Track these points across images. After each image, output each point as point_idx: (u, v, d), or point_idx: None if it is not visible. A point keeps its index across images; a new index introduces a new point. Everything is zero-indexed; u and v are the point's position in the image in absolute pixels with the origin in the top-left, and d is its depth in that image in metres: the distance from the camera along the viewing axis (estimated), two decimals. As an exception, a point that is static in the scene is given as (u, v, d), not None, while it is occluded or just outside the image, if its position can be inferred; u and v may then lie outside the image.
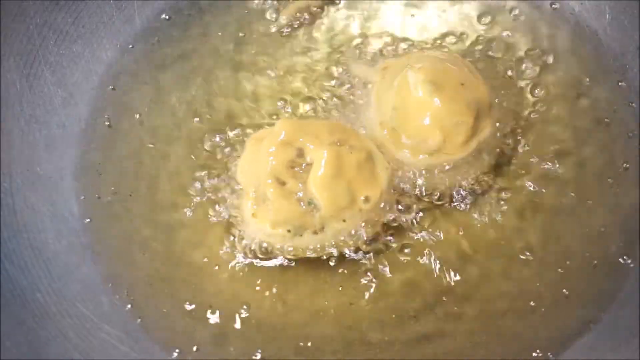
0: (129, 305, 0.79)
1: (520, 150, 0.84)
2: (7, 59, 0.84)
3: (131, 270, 0.81)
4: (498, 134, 0.82)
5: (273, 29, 0.93)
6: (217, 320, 0.78)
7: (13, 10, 0.84)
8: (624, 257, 0.78)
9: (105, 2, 0.92)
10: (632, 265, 0.78)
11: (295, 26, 0.92)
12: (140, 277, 0.80)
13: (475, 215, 0.81)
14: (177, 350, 0.77)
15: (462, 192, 0.81)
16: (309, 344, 0.76)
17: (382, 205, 0.77)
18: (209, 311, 0.78)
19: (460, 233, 0.80)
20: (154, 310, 0.78)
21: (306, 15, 0.92)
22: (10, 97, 0.84)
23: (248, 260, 0.79)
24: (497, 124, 0.81)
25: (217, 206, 0.82)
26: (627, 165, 0.83)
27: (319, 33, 0.93)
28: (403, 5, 0.95)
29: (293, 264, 0.78)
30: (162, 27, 0.94)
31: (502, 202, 0.81)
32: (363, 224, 0.76)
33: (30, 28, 0.86)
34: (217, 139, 0.86)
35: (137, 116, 0.89)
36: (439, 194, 0.81)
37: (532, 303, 0.76)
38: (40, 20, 0.86)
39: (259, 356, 0.76)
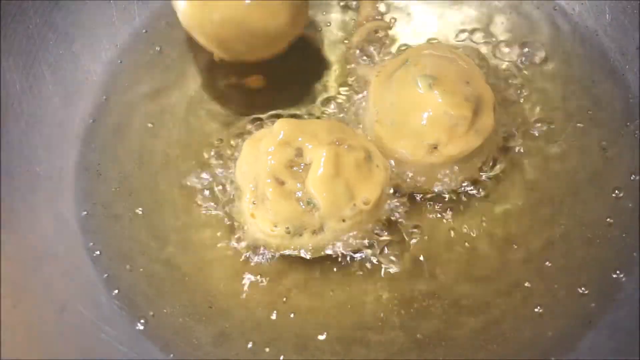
0: (129, 306, 0.79)
1: (521, 148, 0.84)
2: (7, 59, 0.84)
3: (131, 270, 0.80)
4: (499, 132, 0.82)
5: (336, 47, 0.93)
6: (217, 320, 0.77)
7: (13, 10, 0.84)
8: (624, 258, 0.78)
9: (105, 2, 0.92)
10: (628, 265, 0.78)
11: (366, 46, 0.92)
12: (140, 277, 0.80)
13: (475, 215, 0.81)
14: (177, 351, 0.76)
15: (462, 190, 0.81)
16: (309, 344, 0.76)
17: (381, 204, 0.77)
18: (209, 311, 0.78)
19: (461, 232, 0.80)
20: (154, 311, 0.78)
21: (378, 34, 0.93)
22: (10, 97, 0.84)
23: (247, 260, 0.79)
24: (498, 122, 0.81)
25: (216, 206, 0.82)
26: (627, 165, 0.83)
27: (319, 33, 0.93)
28: (402, 5, 0.95)
29: (292, 265, 0.78)
30: (162, 27, 0.94)
31: (503, 201, 0.81)
32: (362, 224, 0.76)
33: (30, 28, 0.86)
34: (218, 138, 0.86)
35: (137, 116, 0.89)
36: (439, 193, 0.81)
37: (532, 304, 0.76)
38: (40, 20, 0.87)
39: (258, 356, 0.76)
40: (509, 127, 0.85)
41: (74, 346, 0.76)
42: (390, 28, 0.93)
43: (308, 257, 0.77)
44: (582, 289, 0.77)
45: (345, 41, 0.93)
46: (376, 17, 0.94)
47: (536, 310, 0.76)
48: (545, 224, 0.80)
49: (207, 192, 0.83)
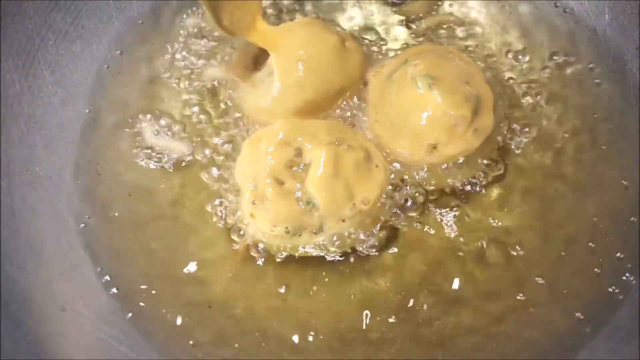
0: (129, 306, 0.79)
1: (520, 148, 0.84)
2: (7, 59, 0.84)
3: (130, 270, 0.80)
4: (498, 132, 0.82)
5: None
6: (217, 320, 0.77)
7: (12, 10, 0.84)
8: (624, 258, 0.78)
9: (104, 2, 0.92)
10: (630, 266, 0.78)
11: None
12: (140, 277, 0.80)
13: (475, 214, 0.81)
14: (177, 351, 0.76)
15: (462, 190, 0.81)
16: (309, 344, 0.76)
17: (380, 204, 0.77)
18: (208, 311, 0.78)
19: (460, 232, 0.80)
20: (154, 310, 0.78)
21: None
22: (9, 97, 0.84)
23: (247, 260, 0.79)
24: (497, 122, 0.81)
25: (216, 206, 0.82)
26: (627, 165, 0.83)
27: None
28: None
29: (292, 264, 0.78)
30: (162, 27, 0.94)
31: (502, 201, 0.81)
32: (362, 224, 0.76)
33: (30, 28, 0.86)
34: (218, 138, 0.86)
35: (137, 116, 0.89)
36: (438, 192, 0.80)
37: (532, 304, 0.76)
38: (40, 20, 0.87)
39: (258, 356, 0.76)
40: (509, 127, 0.85)
41: (74, 346, 0.75)
42: (463, 24, 0.92)
43: (308, 257, 0.77)
44: (583, 289, 0.77)
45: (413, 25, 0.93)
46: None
47: (536, 310, 0.76)
48: (546, 224, 0.80)
49: (207, 192, 0.83)
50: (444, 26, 0.92)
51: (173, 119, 0.88)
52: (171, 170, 0.85)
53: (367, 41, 0.91)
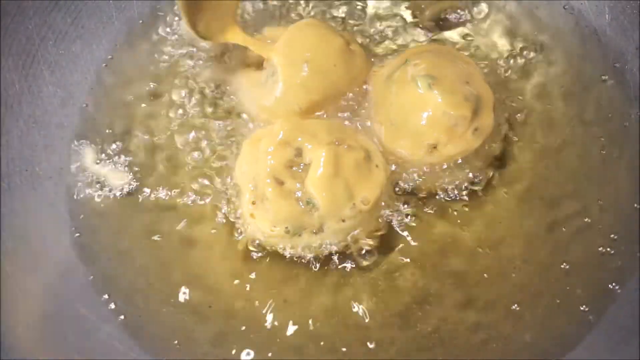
0: (128, 305, 0.79)
1: (521, 148, 0.84)
2: (6, 59, 0.84)
3: (130, 270, 0.80)
4: (499, 131, 0.82)
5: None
6: (217, 320, 0.77)
7: (12, 10, 0.84)
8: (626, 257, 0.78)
9: (104, 2, 0.92)
10: (629, 263, 0.78)
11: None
12: (140, 277, 0.80)
13: (475, 214, 0.81)
14: (176, 350, 0.76)
15: (462, 190, 0.81)
16: (309, 344, 0.76)
17: (381, 204, 0.77)
18: (208, 311, 0.78)
19: (461, 232, 0.80)
20: (153, 310, 0.78)
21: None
22: (9, 97, 0.84)
23: (247, 260, 0.79)
24: (498, 121, 0.81)
25: (216, 206, 0.82)
26: (627, 166, 0.83)
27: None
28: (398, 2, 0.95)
29: (292, 264, 0.78)
30: (162, 27, 0.94)
31: (503, 200, 0.81)
32: (362, 224, 0.76)
33: (30, 28, 0.86)
34: (218, 138, 0.86)
35: (137, 116, 0.89)
36: (438, 193, 0.80)
37: (531, 304, 0.76)
38: (40, 20, 0.87)
39: (258, 356, 0.76)
40: (509, 127, 0.85)
41: (74, 346, 0.75)
42: (466, 8, 0.92)
43: (308, 257, 0.77)
44: (582, 289, 0.77)
45: (416, 19, 0.92)
46: None
47: (535, 310, 0.76)
48: (545, 224, 0.80)
49: (207, 193, 0.83)
50: (448, 11, 0.92)
51: (173, 119, 0.88)
52: (171, 170, 0.85)
53: (375, 38, 0.92)
